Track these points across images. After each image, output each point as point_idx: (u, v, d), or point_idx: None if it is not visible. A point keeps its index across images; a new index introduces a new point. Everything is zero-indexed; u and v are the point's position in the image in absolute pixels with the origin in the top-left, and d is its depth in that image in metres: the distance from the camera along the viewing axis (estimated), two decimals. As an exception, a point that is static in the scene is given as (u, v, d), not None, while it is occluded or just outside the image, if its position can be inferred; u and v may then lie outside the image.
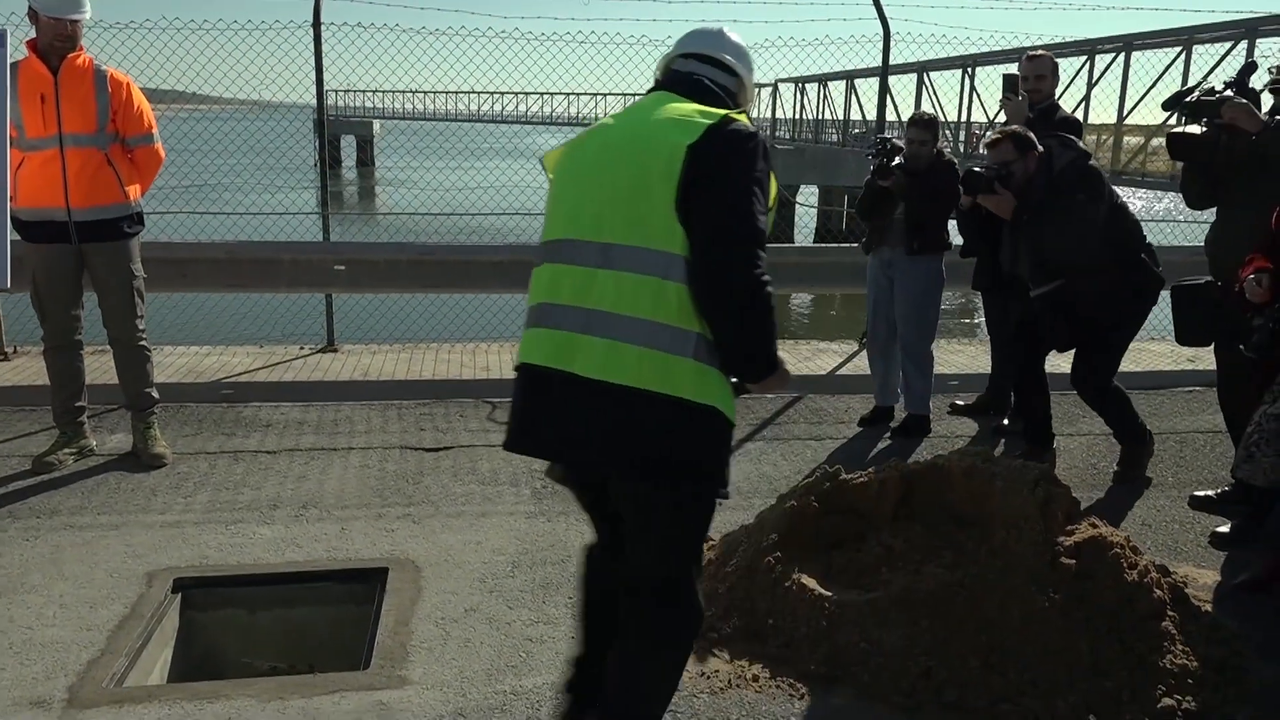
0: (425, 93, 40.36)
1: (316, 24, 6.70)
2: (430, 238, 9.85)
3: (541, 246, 2.33)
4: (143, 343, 4.73)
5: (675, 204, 2.13)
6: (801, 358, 6.97)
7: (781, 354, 2.29)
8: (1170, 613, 3.08)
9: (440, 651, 3.14)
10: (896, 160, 5.06)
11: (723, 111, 2.25)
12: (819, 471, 3.63)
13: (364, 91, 44.60)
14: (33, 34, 4.44)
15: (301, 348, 6.95)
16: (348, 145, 47.76)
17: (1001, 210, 4.52)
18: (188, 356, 6.62)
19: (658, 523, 2.30)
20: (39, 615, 3.32)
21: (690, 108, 2.27)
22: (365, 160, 46.95)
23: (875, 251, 5.31)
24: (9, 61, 4.19)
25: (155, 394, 4.81)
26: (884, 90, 7.53)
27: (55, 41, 4.40)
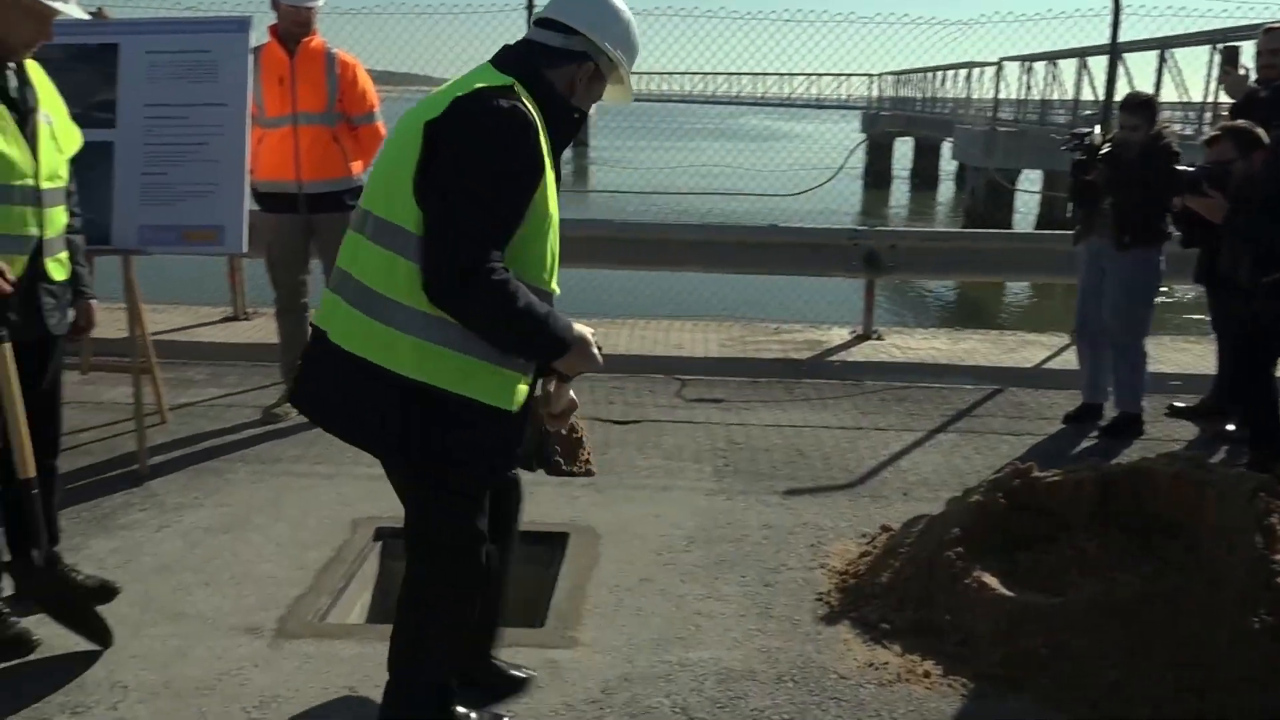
0: (638, 74, 40.86)
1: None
2: (633, 215, 10.05)
3: None
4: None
5: (413, 182, 2.08)
6: (1006, 349, 6.66)
7: (583, 328, 2.29)
8: None
9: (612, 617, 3.23)
10: (1102, 148, 4.74)
11: (502, 81, 2.13)
12: (1009, 467, 3.47)
13: (581, 73, 45.53)
14: (273, 20, 4.82)
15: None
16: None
17: (1211, 214, 4.16)
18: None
19: (407, 487, 2.38)
20: (258, 552, 3.63)
21: (474, 76, 2.17)
22: (580, 140, 48.10)
23: (1085, 241, 4.99)
24: (251, 46, 4.55)
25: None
26: (1113, 69, 7.04)
27: (293, 27, 4.76)
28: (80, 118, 4.41)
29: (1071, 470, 3.36)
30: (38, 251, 2.88)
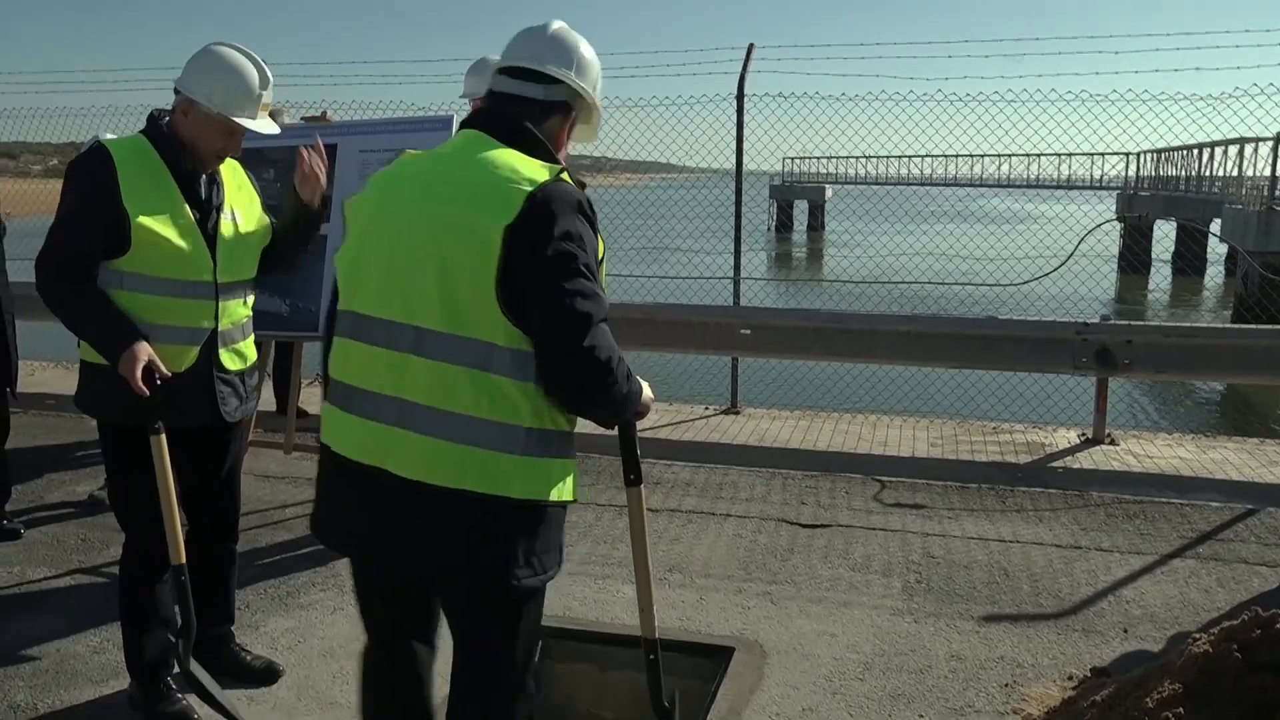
0: (873, 157, 40.41)
1: (740, 95, 6.91)
2: (854, 303, 9.73)
3: (345, 315, 2.08)
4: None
5: (495, 290, 1.89)
6: (1267, 461, 5.81)
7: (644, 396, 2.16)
8: None
9: (765, 751, 2.94)
10: None
11: (544, 169, 1.97)
12: (1249, 611, 2.92)
13: (816, 158, 45.72)
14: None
15: (706, 408, 7.11)
16: (800, 210, 49.22)
17: None
18: (603, 409, 7.04)
19: (495, 624, 2.09)
20: (419, 643, 3.60)
21: (506, 163, 1.97)
22: (816, 225, 47.98)
23: None
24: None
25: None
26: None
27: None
28: (300, 212, 4.78)
29: (1328, 625, 2.78)
30: (211, 343, 2.97)
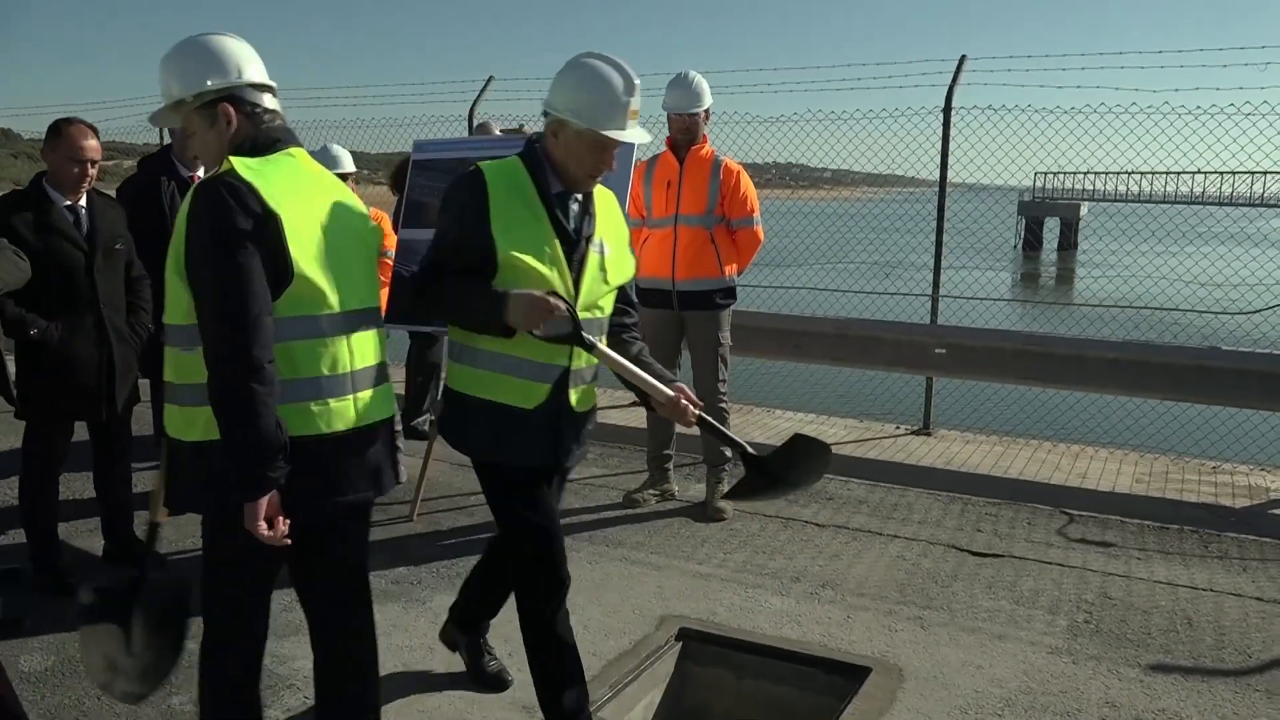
0: (1136, 173, 37.63)
1: (947, 109, 6.71)
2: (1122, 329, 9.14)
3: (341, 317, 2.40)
4: (722, 403, 5.15)
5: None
6: None
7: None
8: None
9: (877, 774, 2.89)
10: None
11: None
12: None
13: (1072, 173, 43.12)
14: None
15: (898, 427, 6.94)
16: (1051, 227, 46.62)
17: None
18: (790, 422, 7.02)
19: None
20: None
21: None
22: (1067, 243, 45.30)
23: None
24: (634, 155, 4.88)
25: (729, 453, 5.20)
26: None
27: (679, 134, 5.06)
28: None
29: None
30: (563, 381, 2.73)
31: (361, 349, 2.46)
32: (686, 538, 4.79)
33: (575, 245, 2.71)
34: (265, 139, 2.39)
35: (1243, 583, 4.31)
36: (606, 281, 2.78)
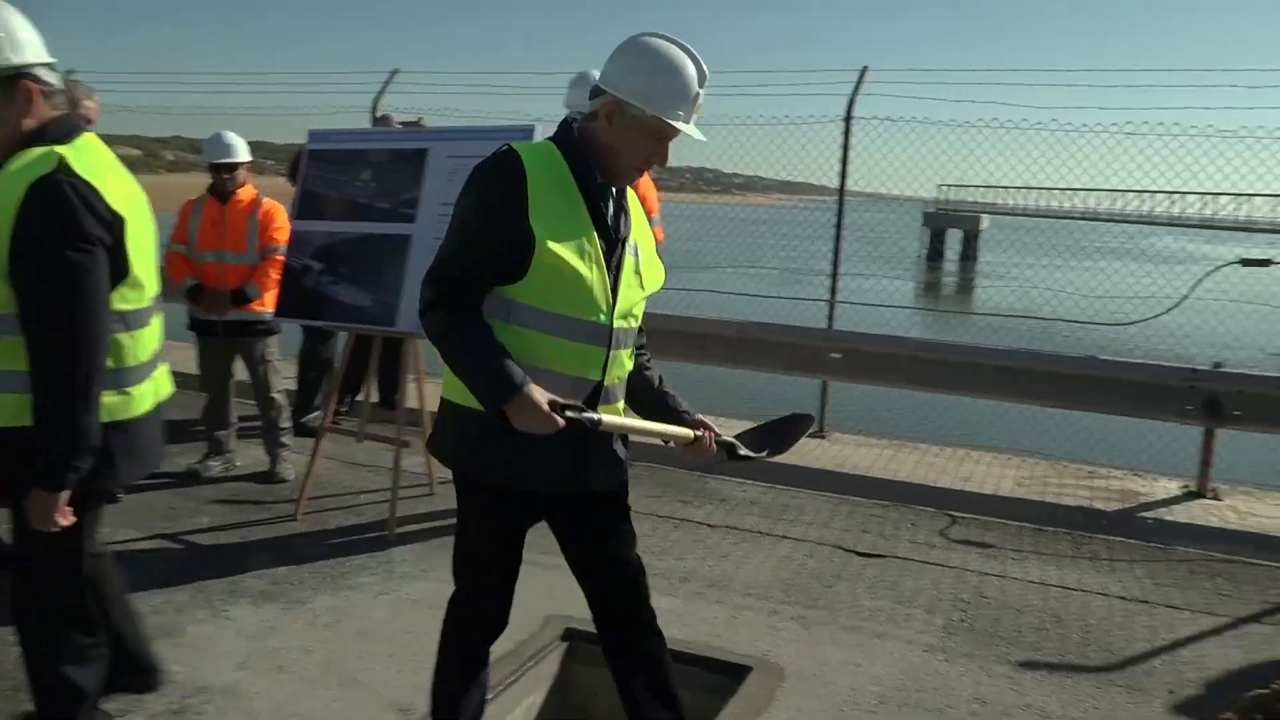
0: (1033, 188, 38.87)
1: (848, 118, 6.84)
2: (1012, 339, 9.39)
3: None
4: (617, 405, 5.15)
5: None
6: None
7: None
8: None
9: (751, 771, 2.92)
10: None
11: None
12: (1278, 682, 2.73)
13: (973, 186, 44.38)
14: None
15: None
16: (953, 238, 47.87)
17: None
18: (689, 424, 7.06)
19: None
20: (448, 632, 3.73)
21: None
22: (969, 255, 46.61)
23: None
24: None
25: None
26: None
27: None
28: (390, 213, 5.02)
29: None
30: (594, 398, 2.43)
31: (158, 333, 2.65)
32: (578, 538, 4.77)
33: (615, 245, 2.41)
34: (67, 124, 2.38)
35: (1109, 582, 4.48)
36: (641, 287, 2.50)
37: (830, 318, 6.97)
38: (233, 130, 5.57)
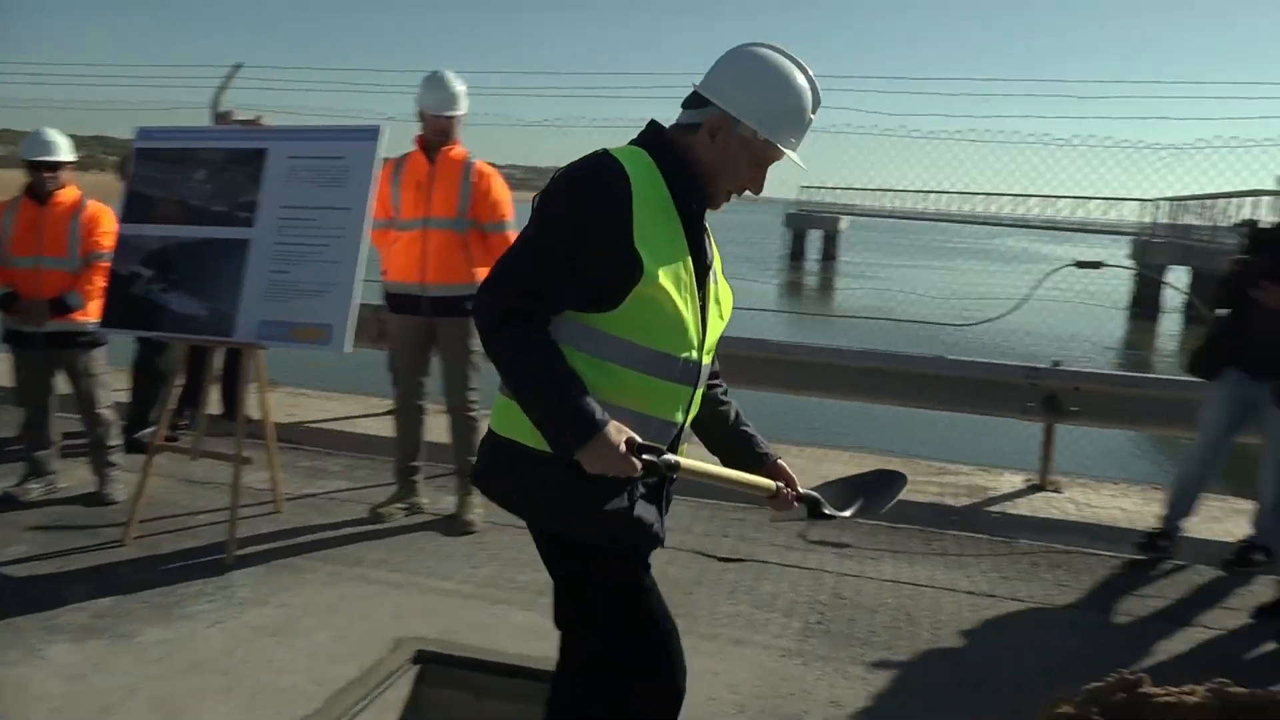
0: (890, 190, 40.38)
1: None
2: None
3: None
4: (472, 413, 5.01)
5: None
6: (1209, 518, 5.65)
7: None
8: None
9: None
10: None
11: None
12: (1115, 673, 2.81)
13: (832, 188, 45.75)
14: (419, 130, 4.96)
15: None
16: (814, 239, 49.10)
17: None
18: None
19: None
20: (290, 661, 3.53)
21: None
22: (829, 255, 47.92)
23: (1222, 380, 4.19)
24: (381, 155, 4.67)
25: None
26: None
27: (433, 135, 4.88)
28: (226, 216, 4.74)
29: (1189, 690, 2.67)
30: (675, 442, 2.22)
31: None
32: (432, 553, 4.62)
33: (705, 274, 2.16)
34: None
35: (958, 578, 4.60)
36: (721, 317, 2.27)
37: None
38: (56, 126, 5.16)
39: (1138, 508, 5.73)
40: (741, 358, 6.49)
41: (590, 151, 2.09)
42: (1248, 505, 5.08)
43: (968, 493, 5.90)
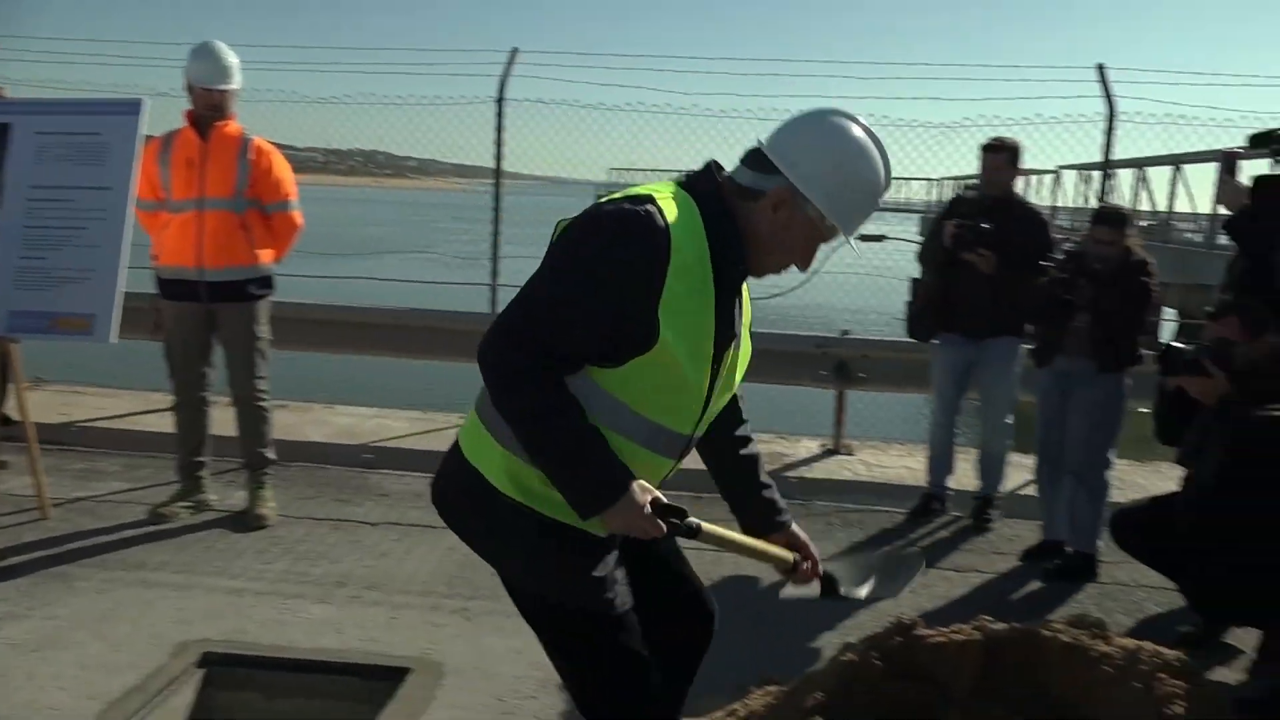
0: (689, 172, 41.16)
1: (500, 99, 6.78)
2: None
3: None
4: (261, 402, 4.78)
5: None
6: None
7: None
8: None
9: (404, 781, 2.78)
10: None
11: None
12: (892, 619, 2.97)
13: (642, 170, 46.33)
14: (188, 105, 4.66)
15: (461, 417, 6.90)
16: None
17: (1205, 396, 3.53)
18: (351, 417, 6.73)
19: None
20: (56, 676, 3.26)
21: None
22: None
23: (1049, 363, 4.51)
24: (144, 130, 4.37)
25: (270, 454, 4.84)
26: (1105, 180, 6.63)
27: (205, 110, 4.58)
28: (-33, 198, 4.31)
29: (957, 630, 2.86)
30: (681, 455, 2.14)
31: None
32: (221, 551, 4.38)
33: (728, 344, 2.00)
34: None
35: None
36: (732, 384, 2.14)
37: (493, 302, 6.90)
38: None
39: (922, 465, 6.07)
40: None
41: (637, 191, 1.93)
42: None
43: (769, 460, 6.05)
